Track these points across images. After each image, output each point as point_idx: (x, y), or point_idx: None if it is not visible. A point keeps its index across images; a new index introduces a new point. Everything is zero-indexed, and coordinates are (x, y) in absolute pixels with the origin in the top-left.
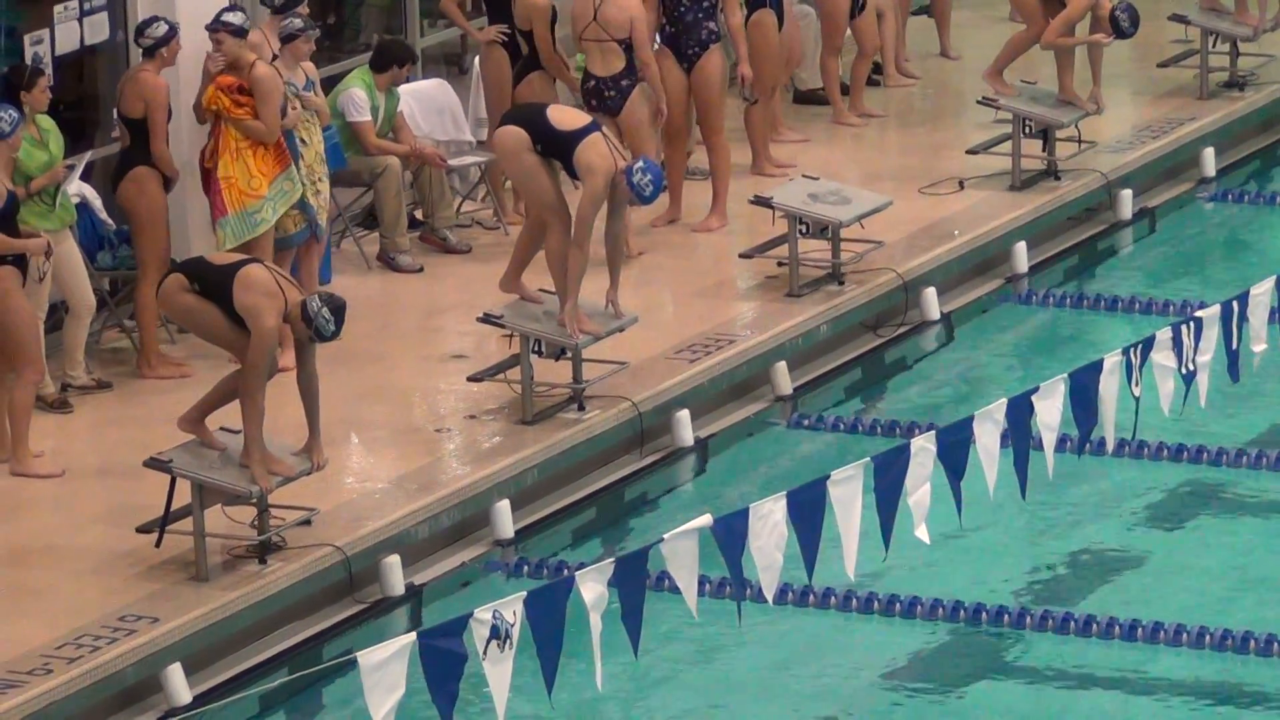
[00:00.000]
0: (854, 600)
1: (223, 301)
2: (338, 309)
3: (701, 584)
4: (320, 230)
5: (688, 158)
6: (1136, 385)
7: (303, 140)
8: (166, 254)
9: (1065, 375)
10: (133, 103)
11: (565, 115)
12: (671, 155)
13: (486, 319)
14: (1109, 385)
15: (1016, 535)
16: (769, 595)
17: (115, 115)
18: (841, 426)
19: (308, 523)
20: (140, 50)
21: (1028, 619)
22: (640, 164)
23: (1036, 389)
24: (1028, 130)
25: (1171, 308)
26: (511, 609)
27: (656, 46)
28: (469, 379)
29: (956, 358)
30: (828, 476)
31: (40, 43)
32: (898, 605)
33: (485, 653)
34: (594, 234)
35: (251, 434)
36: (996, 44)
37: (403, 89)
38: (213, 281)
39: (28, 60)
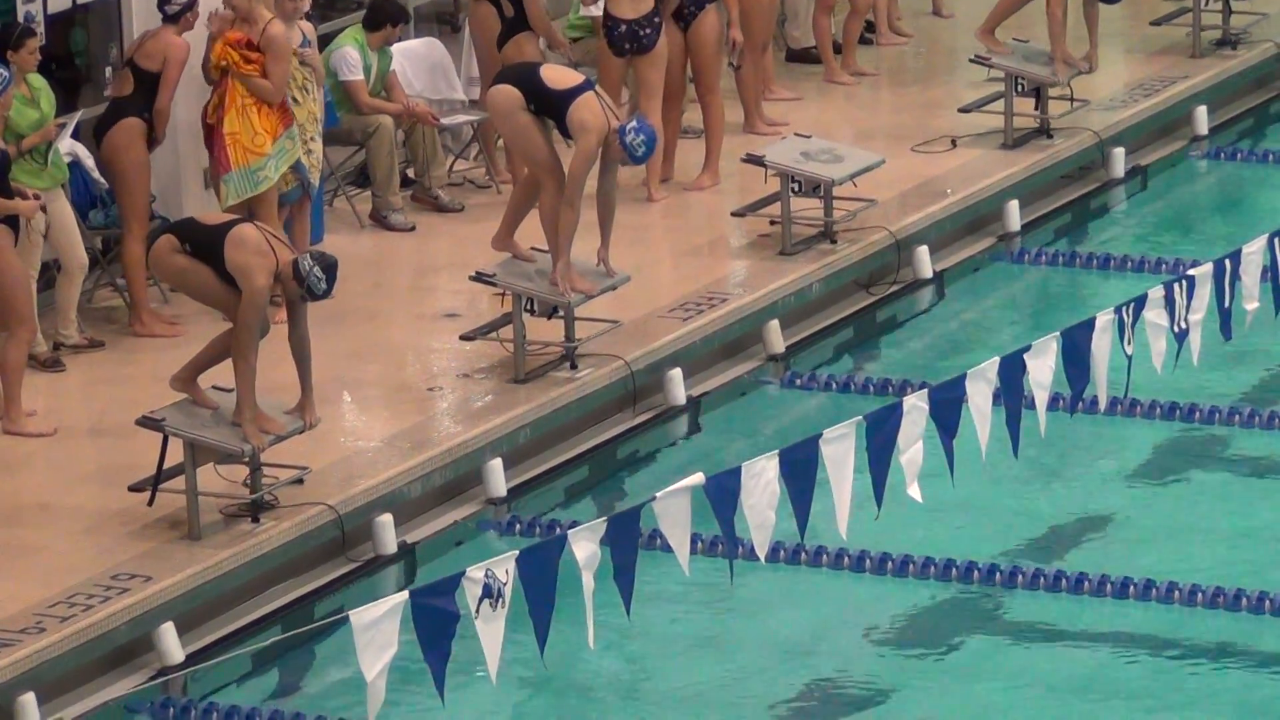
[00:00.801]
0: (846, 558)
1: (214, 262)
2: (329, 267)
3: (694, 542)
4: (312, 188)
5: (680, 116)
6: (1129, 343)
7: (295, 99)
8: (147, 208)
9: (1057, 333)
10: (152, 57)
11: (558, 74)
12: (667, 114)
13: (479, 277)
14: (1101, 343)
15: (1008, 493)
16: (761, 554)
17: (123, 63)
18: (834, 385)
19: (300, 481)
20: (141, 9)
21: (1019, 577)
22: (633, 123)
23: (1029, 347)
24: (1020, 88)
25: (1164, 266)
26: (504, 568)
27: None
28: (461, 337)
29: (949, 316)
30: (820, 435)
31: (32, 1)
32: (890, 564)
33: (478, 611)
34: (586, 192)
35: (243, 392)
36: (988, 2)
37: (395, 48)
38: (203, 242)
39: (19, 19)
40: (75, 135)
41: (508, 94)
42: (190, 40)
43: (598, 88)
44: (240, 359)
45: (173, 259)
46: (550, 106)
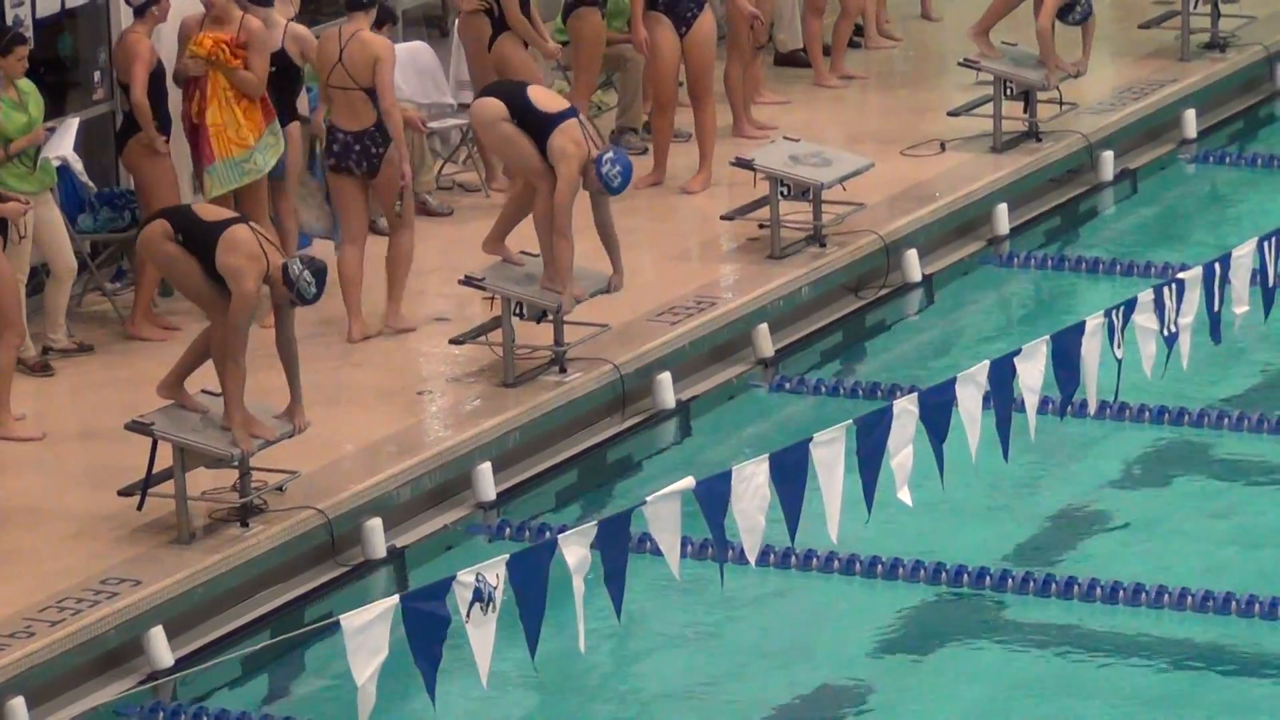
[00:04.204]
0: (836, 562)
1: (204, 257)
2: (319, 272)
3: (684, 546)
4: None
5: (672, 120)
6: (1118, 347)
7: None
8: None
9: (1047, 337)
10: (123, 68)
11: (545, 97)
12: (658, 121)
13: (468, 281)
14: (1091, 347)
15: (998, 497)
16: (751, 557)
17: (113, 80)
18: (823, 389)
19: (280, 489)
20: (128, 13)
21: (1009, 581)
22: (610, 154)
23: (1018, 351)
24: (1009, 92)
25: (1153, 269)
26: (494, 572)
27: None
28: (450, 341)
29: (938, 320)
30: (810, 439)
31: (20, 4)
32: (880, 567)
33: (468, 615)
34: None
35: (232, 396)
36: (978, 5)
37: None
38: (197, 236)
39: (9, 22)
40: (76, 145)
41: (489, 105)
42: (170, 38)
43: (581, 117)
44: (230, 361)
45: (163, 245)
46: (533, 127)
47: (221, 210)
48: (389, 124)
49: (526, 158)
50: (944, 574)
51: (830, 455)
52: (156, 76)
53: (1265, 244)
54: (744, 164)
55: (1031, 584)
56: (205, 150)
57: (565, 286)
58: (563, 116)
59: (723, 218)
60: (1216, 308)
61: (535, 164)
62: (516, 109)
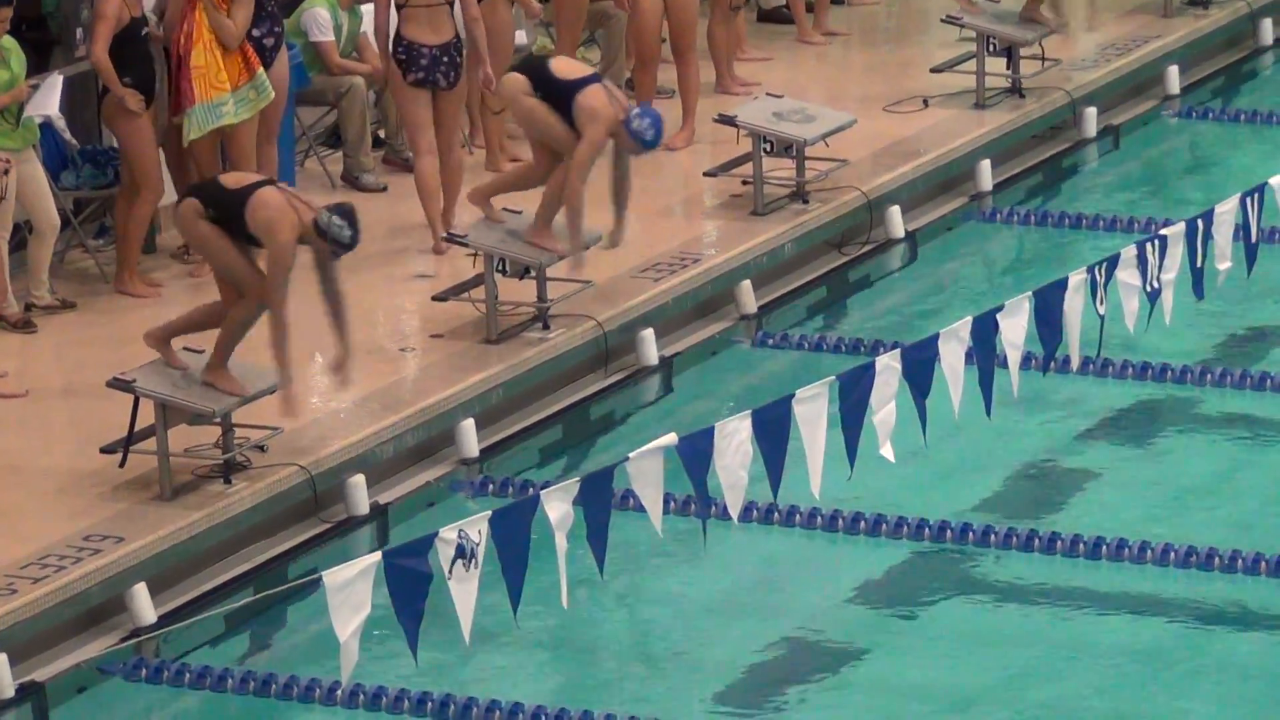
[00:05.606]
0: (819, 518)
1: (235, 226)
2: (348, 214)
3: (666, 503)
4: None
5: (655, 77)
6: (1101, 303)
7: None
8: (153, 173)
9: (1030, 293)
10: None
11: (566, 66)
12: (641, 77)
13: (450, 238)
14: (1073, 303)
15: (981, 453)
16: (734, 514)
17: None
18: (806, 345)
19: (262, 448)
20: None
21: (992, 536)
22: (636, 110)
23: (1001, 307)
24: (992, 48)
25: (1136, 225)
26: (476, 528)
27: None
28: (433, 298)
29: (921, 276)
30: (793, 395)
31: None
32: (862, 523)
33: (451, 572)
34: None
35: (279, 351)
36: None
37: (366, 8)
38: (226, 205)
39: None
40: (61, 104)
41: (512, 80)
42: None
43: (606, 82)
44: (274, 318)
45: (198, 225)
46: (556, 97)
47: (245, 175)
48: (475, 31)
49: (549, 128)
50: (927, 530)
51: (813, 412)
52: (133, 34)
53: (1248, 200)
54: (727, 120)
55: (1014, 539)
56: (187, 91)
57: (576, 240)
58: (586, 82)
59: (706, 174)
60: (1200, 263)
61: (561, 134)
62: (538, 80)
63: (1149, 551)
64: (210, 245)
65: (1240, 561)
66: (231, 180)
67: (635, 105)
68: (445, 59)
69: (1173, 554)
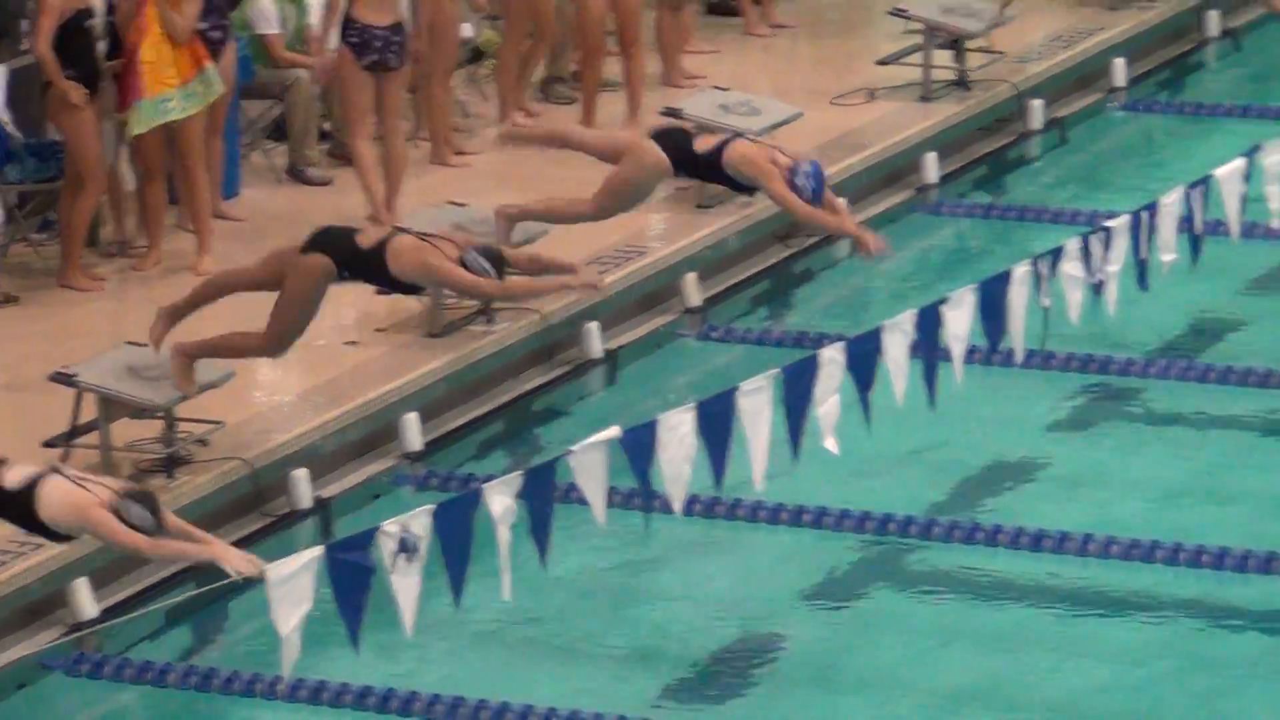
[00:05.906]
0: (762, 511)
1: (372, 279)
2: (494, 258)
3: (610, 495)
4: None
5: (600, 69)
6: (1045, 296)
7: None
8: (96, 166)
9: (974, 285)
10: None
11: (705, 139)
12: (587, 70)
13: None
14: (1017, 295)
15: (924, 445)
16: (677, 507)
17: None
18: (750, 338)
19: (204, 442)
20: None
21: (935, 528)
22: (804, 166)
23: (945, 299)
24: (938, 41)
25: (1081, 217)
26: (419, 522)
27: None
28: (377, 292)
29: (866, 268)
30: (737, 388)
31: None
32: (805, 515)
33: (393, 566)
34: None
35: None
36: None
37: (312, 1)
38: (362, 261)
39: None
40: (6, 97)
41: (660, 161)
42: None
43: (747, 136)
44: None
45: (320, 287)
46: (704, 170)
47: (373, 231)
48: (422, 11)
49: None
50: (870, 523)
51: (756, 404)
52: (78, 26)
53: (1192, 192)
54: (673, 113)
55: (957, 532)
56: (135, 85)
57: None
58: (724, 145)
59: None
60: (1144, 255)
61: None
62: (684, 161)
63: (1091, 543)
64: (311, 304)
65: (1181, 554)
66: (363, 239)
67: (801, 162)
68: (396, 40)
69: (1114, 546)
